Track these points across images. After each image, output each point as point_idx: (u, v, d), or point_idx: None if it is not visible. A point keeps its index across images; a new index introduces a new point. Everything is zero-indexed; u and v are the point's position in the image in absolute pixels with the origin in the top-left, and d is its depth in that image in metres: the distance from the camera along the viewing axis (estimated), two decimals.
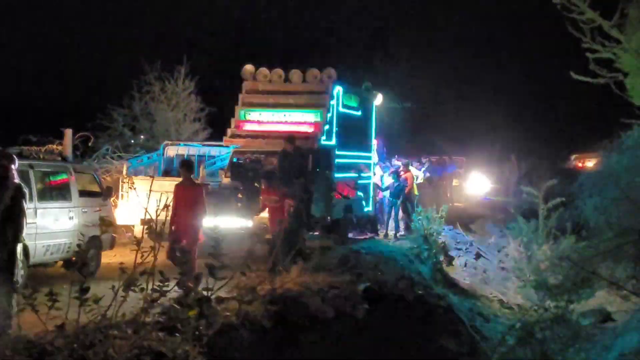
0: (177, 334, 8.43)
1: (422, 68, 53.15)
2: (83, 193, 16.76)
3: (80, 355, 6.92)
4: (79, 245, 10.77)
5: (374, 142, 27.07)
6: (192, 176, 16.25)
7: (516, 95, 55.26)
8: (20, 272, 13.72)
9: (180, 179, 16.06)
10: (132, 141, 32.48)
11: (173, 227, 14.80)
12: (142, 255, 9.35)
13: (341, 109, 22.48)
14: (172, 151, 21.40)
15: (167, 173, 21.52)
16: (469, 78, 55.80)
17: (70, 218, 15.93)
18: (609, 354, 16.49)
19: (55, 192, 15.84)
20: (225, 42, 48.21)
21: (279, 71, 22.90)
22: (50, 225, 15.20)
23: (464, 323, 19.40)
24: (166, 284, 6.32)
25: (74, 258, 15.31)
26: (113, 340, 8.55)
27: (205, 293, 6.44)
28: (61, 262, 16.16)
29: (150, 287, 6.52)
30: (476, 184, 39.46)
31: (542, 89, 54.31)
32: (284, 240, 16.12)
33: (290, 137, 19.28)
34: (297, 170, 18.32)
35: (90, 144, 24.77)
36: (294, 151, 19.01)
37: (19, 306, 6.47)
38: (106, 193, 17.29)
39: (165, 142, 22.89)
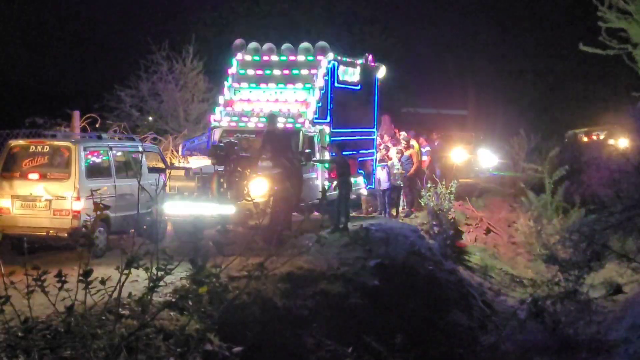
0: (187, 313, 8.45)
1: (425, 40, 52.96)
2: (151, 169, 17.90)
3: (91, 334, 6.94)
4: None
5: (384, 119, 26.62)
6: None
7: (524, 70, 54.92)
8: (103, 240, 15.13)
9: None
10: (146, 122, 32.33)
11: None
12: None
13: (337, 85, 21.36)
14: (217, 133, 21.04)
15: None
16: (476, 51, 55.35)
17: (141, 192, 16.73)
18: (620, 325, 16.53)
19: (129, 169, 16.97)
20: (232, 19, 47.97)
21: (270, 45, 21.50)
22: (125, 199, 16.46)
23: (475, 297, 19.47)
24: (171, 262, 6.33)
25: (145, 227, 16.36)
26: (124, 320, 8.60)
27: (214, 270, 6.44)
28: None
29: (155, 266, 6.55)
30: (484, 159, 39.34)
31: (549, 63, 53.89)
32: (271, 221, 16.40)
33: (271, 116, 18.61)
34: (282, 151, 17.61)
35: (97, 126, 24.68)
36: (279, 131, 18.27)
37: (29, 288, 6.44)
38: (170, 169, 18.36)
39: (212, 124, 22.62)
